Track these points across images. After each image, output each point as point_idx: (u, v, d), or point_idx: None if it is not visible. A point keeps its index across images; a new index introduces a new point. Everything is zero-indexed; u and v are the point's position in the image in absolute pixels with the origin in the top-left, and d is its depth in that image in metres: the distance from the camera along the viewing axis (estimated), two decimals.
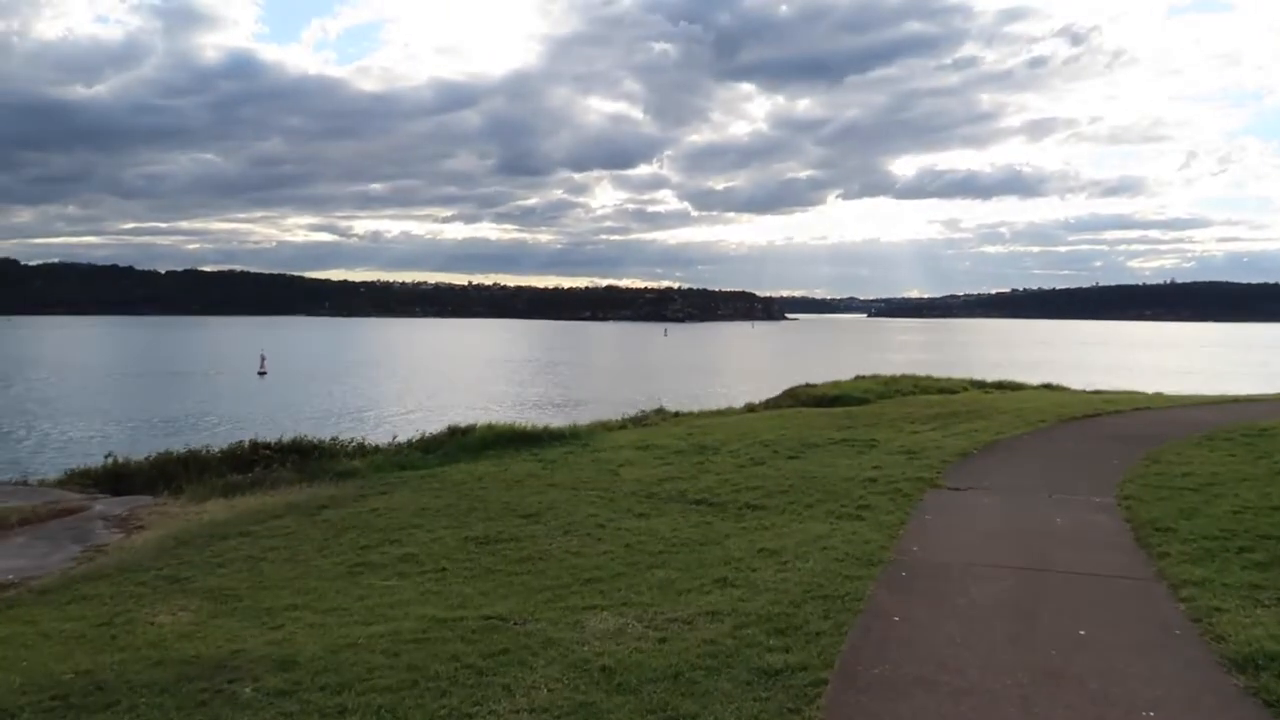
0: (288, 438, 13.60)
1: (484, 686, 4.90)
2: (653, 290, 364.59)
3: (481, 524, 9.46)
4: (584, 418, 20.86)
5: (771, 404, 23.46)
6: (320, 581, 7.51)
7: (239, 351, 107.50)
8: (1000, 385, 27.68)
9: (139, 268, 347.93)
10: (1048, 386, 28.33)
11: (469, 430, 15.00)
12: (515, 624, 6.04)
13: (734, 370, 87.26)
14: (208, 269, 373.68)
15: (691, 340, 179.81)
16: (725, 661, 5.14)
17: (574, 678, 4.99)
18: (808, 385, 25.45)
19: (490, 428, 15.13)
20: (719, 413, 21.39)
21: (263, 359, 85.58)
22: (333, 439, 13.82)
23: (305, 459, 12.86)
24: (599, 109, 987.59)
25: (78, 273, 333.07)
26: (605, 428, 17.96)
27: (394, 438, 14.80)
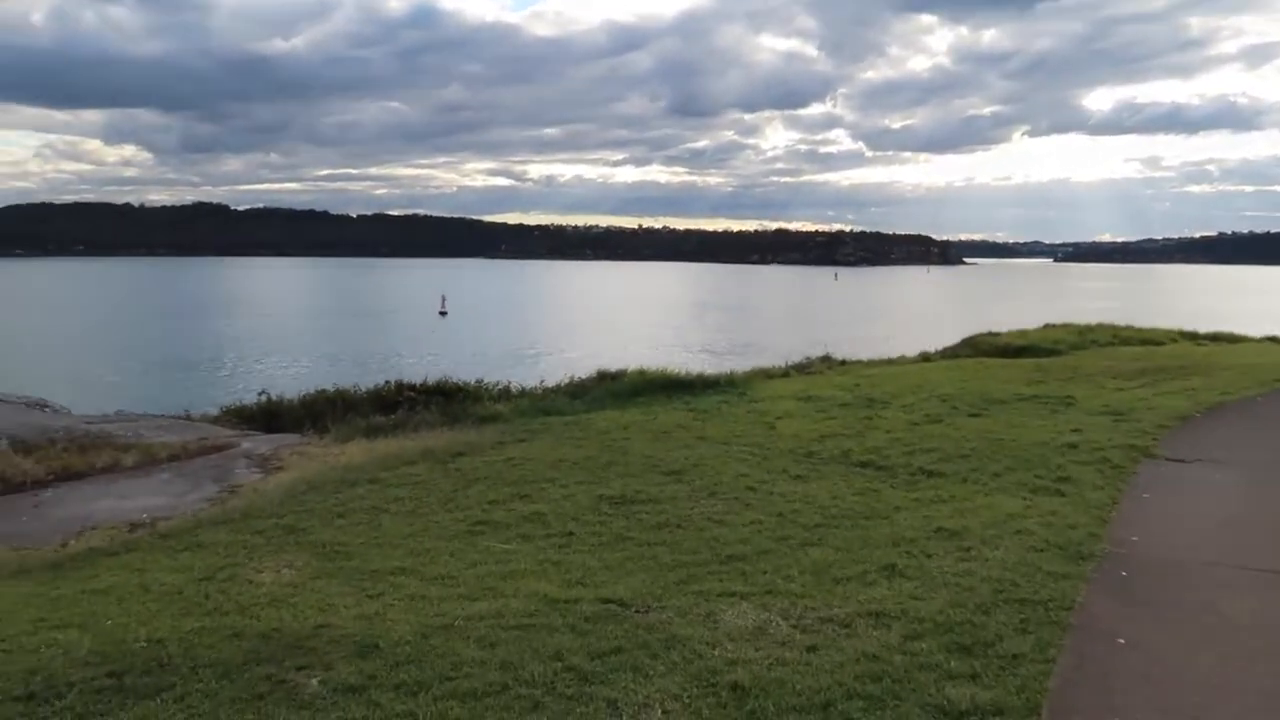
0: (435, 378, 13.22)
1: (584, 700, 3.99)
2: (823, 233, 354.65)
3: (619, 480, 8.60)
4: (744, 365, 19.68)
5: (949, 353, 21.47)
6: (436, 541, 6.84)
7: (421, 292, 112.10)
8: (1215, 337, 24.39)
9: (333, 212, 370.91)
10: (1275, 340, 24.75)
11: (618, 375, 14.20)
12: (637, 611, 5.11)
13: (907, 316, 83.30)
14: (394, 213, 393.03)
15: (862, 285, 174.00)
16: (891, 690, 4.00)
17: (696, 696, 4.00)
18: (990, 333, 23.21)
19: (641, 373, 14.27)
20: (890, 362, 19.70)
21: (443, 299, 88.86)
22: (478, 381, 13.33)
23: (449, 401, 12.43)
24: (771, 47, 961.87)
25: (280, 217, 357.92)
26: (765, 375, 16.79)
27: (541, 381, 14.20)
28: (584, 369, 17.07)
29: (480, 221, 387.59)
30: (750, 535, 6.75)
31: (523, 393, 13.33)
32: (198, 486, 9.27)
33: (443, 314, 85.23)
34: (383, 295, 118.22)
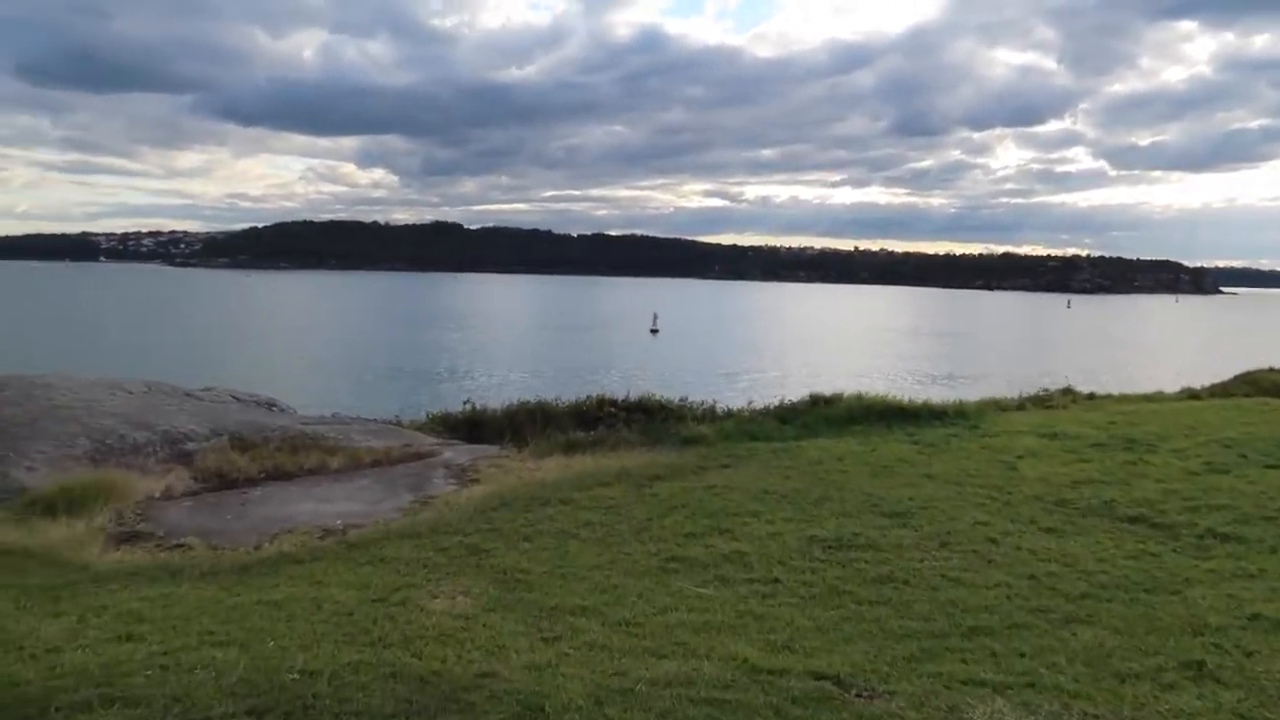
0: (637, 395, 12.64)
1: None
2: (1056, 258, 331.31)
3: (834, 520, 7.56)
4: (969, 395, 17.90)
5: (1221, 391, 18.65)
6: (624, 577, 6.10)
7: (635, 310, 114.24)
8: None
9: (556, 231, 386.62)
10: None
11: (833, 400, 13.07)
12: (859, 695, 4.11)
13: (1155, 348, 75.64)
14: (613, 233, 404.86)
15: (1100, 313, 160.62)
16: None
17: None
18: (1274, 370, 20.04)
19: (859, 399, 13.07)
20: (1147, 398, 17.28)
21: (655, 317, 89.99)
22: (682, 400, 12.62)
23: (651, 420, 11.80)
24: (1005, 61, 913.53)
25: (507, 236, 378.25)
26: (997, 407, 15.07)
27: (749, 402, 13.30)
28: (794, 391, 16.03)
29: (695, 242, 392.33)
30: (997, 602, 5.55)
31: (728, 414, 12.50)
32: (393, 494, 9.08)
33: (654, 332, 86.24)
34: (597, 312, 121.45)
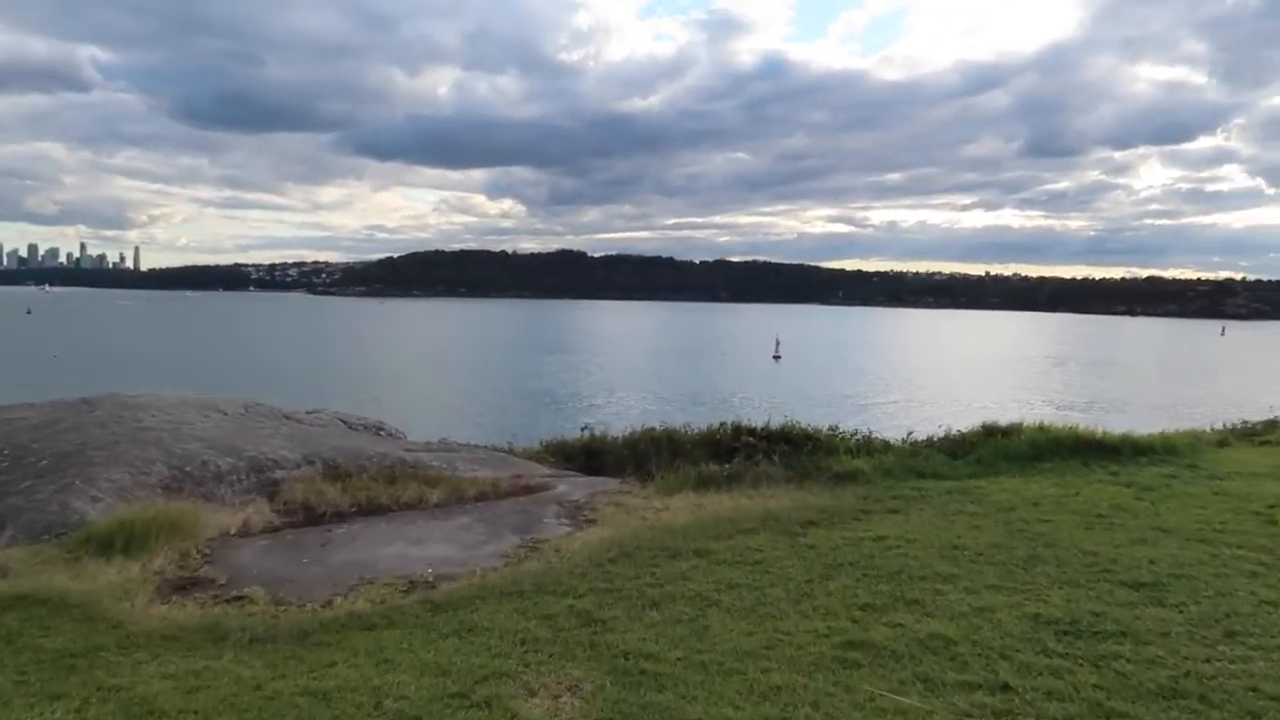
0: (783, 424, 10.96)
1: None
2: (1206, 282, 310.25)
3: (1058, 591, 5.73)
4: (1119, 425, 15.29)
5: None
6: (789, 673, 4.47)
7: (756, 336, 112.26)
8: None
9: (678, 258, 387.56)
10: None
11: (1011, 431, 11.05)
12: None
13: None
14: (734, 260, 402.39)
15: (1260, 339, 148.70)
16: None
17: None
18: None
19: (1042, 430, 11.00)
20: None
21: (777, 343, 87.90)
22: (831, 429, 10.86)
23: (796, 451, 10.11)
24: (1149, 76, 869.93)
25: (629, 263, 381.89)
26: (1197, 440, 12.64)
27: (909, 434, 11.41)
28: (941, 421, 13.95)
29: (818, 268, 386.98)
30: None
31: (886, 447, 10.66)
32: (496, 536, 7.70)
33: (776, 358, 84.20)
34: (718, 338, 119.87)
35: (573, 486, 9.74)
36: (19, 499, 7.50)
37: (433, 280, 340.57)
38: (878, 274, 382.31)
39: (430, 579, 6.47)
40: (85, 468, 8.11)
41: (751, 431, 10.63)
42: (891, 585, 5.87)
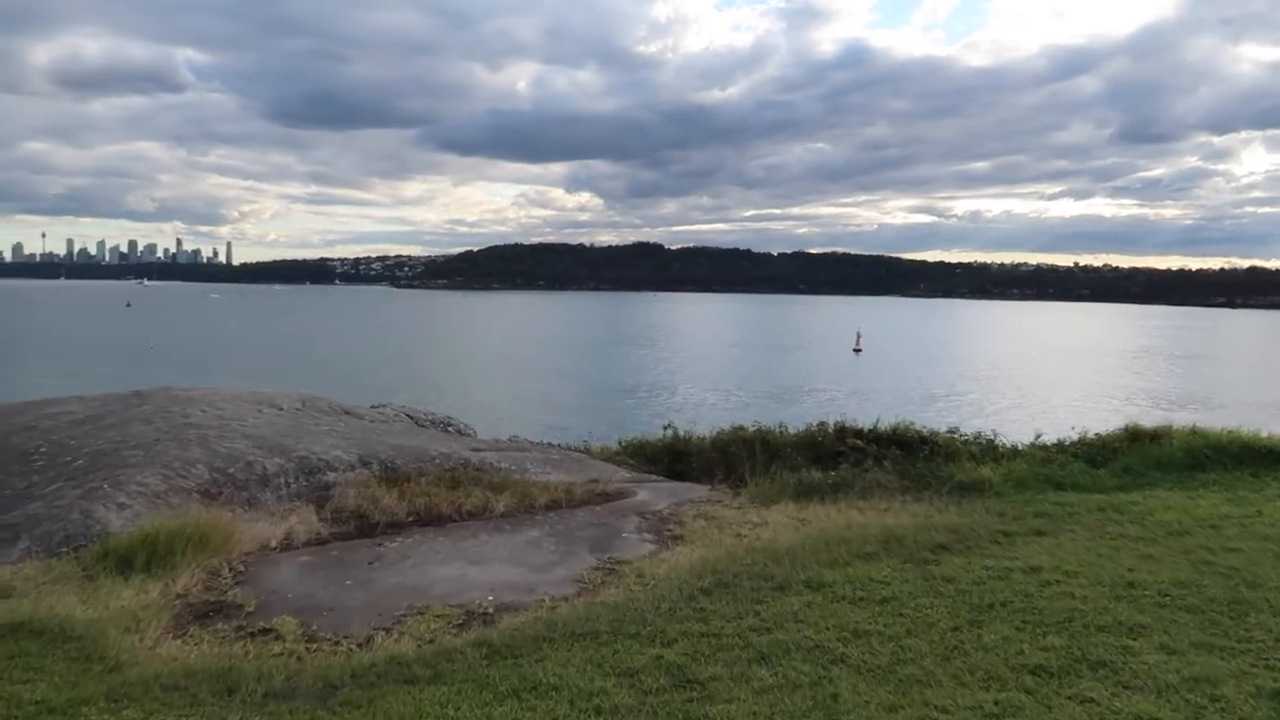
0: (885, 424, 9.67)
1: None
2: None
3: None
4: (1222, 423, 13.38)
5: None
6: None
7: (836, 329, 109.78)
8: None
9: (756, 250, 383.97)
10: None
11: (1160, 435, 9.56)
12: None
13: None
14: (814, 251, 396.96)
15: None
16: None
17: None
18: None
19: (1199, 434, 9.48)
20: None
21: (858, 336, 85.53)
22: (950, 432, 9.51)
23: (909, 456, 8.83)
24: (1252, 57, 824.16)
25: (706, 255, 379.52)
26: None
27: (1037, 436, 9.98)
28: (1016, 419, 12.38)
29: (899, 259, 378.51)
30: None
31: (1015, 451, 9.29)
32: (569, 556, 6.66)
33: (857, 351, 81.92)
34: (796, 330, 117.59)
35: (655, 494, 8.66)
36: (41, 505, 6.74)
37: (511, 273, 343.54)
38: (961, 265, 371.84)
39: (489, 609, 5.47)
40: (117, 469, 7.33)
41: (858, 433, 9.37)
42: (1064, 638, 4.61)
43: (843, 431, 9.45)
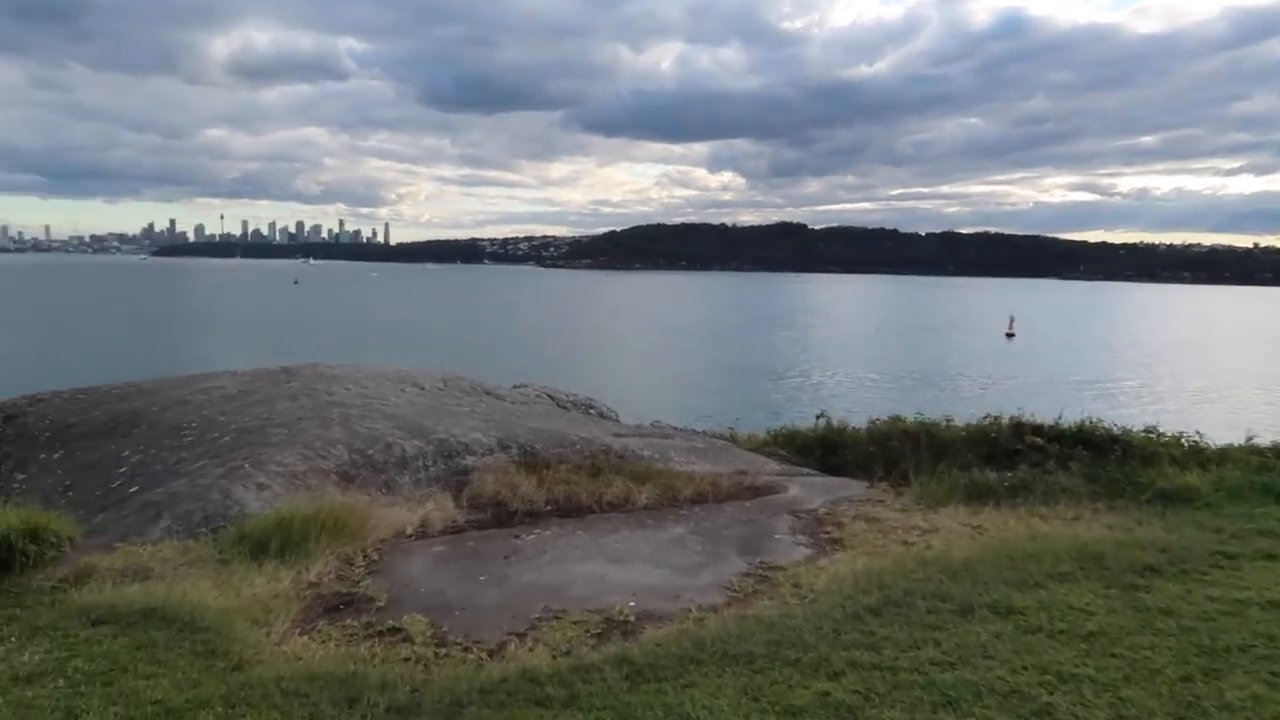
0: (1069, 419, 8.63)
1: None
2: None
3: None
4: None
5: None
6: None
7: (987, 312, 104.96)
8: None
9: (902, 230, 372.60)
10: None
11: None
12: None
13: None
14: (964, 231, 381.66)
15: None
16: None
17: None
18: None
19: None
20: None
21: (1011, 320, 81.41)
22: (1147, 430, 8.38)
23: (1098, 458, 7.82)
24: None
25: (850, 235, 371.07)
26: None
27: (1249, 438, 8.71)
28: (1210, 416, 10.86)
29: (1056, 239, 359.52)
30: None
31: (1223, 455, 8.11)
32: (717, 557, 6.11)
33: (1010, 336, 77.91)
34: (945, 314, 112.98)
35: (808, 490, 8.00)
36: (184, 483, 6.71)
37: (654, 253, 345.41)
38: (1125, 246, 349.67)
39: (630, 618, 4.99)
40: (260, 448, 7.26)
41: (1037, 429, 8.40)
42: None
43: (1019, 427, 8.49)
